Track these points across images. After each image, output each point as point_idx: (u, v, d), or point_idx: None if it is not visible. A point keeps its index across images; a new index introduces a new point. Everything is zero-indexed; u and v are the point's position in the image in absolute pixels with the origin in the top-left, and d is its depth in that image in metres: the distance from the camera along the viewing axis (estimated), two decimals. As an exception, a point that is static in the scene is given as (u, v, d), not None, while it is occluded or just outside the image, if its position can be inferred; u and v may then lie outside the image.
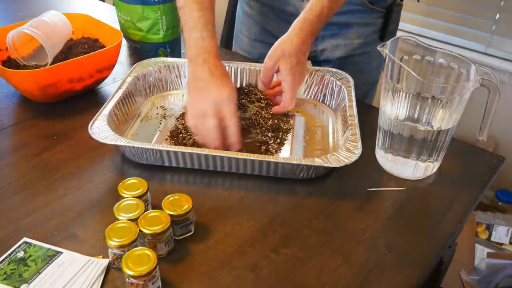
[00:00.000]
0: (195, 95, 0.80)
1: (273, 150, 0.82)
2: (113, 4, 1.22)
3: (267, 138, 0.84)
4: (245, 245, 0.66)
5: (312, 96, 0.98)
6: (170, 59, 0.99)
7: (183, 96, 0.99)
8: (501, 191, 1.79)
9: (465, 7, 1.83)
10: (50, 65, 0.94)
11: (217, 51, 0.83)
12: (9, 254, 0.62)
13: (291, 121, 0.91)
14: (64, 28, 1.00)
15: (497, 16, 1.76)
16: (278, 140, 0.84)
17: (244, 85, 0.99)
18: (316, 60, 1.16)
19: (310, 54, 1.15)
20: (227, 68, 0.97)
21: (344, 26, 1.07)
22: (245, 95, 0.94)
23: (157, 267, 0.57)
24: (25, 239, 0.65)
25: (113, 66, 1.00)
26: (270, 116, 0.89)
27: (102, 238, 0.61)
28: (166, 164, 0.78)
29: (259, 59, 1.19)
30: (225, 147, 0.78)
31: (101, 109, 0.82)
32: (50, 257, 0.62)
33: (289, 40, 0.85)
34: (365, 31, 1.08)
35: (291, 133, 0.88)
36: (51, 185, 0.75)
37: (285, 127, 0.88)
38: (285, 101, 0.87)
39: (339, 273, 0.63)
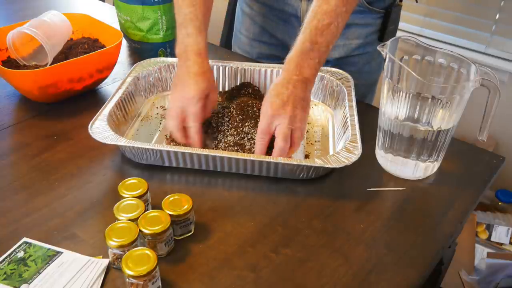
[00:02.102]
0: (172, 91, 0.84)
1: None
2: (113, 4, 1.22)
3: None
4: (245, 245, 0.66)
5: (312, 96, 0.98)
6: (170, 59, 0.99)
7: (183, 96, 0.99)
8: (501, 191, 1.79)
9: (465, 7, 1.83)
10: (50, 65, 0.94)
11: (203, 47, 0.82)
12: (9, 254, 0.62)
13: None
14: (64, 28, 1.00)
15: (497, 16, 1.76)
16: None
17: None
18: None
19: None
20: (226, 67, 0.97)
21: None
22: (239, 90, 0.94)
23: (157, 267, 0.57)
24: (25, 239, 0.65)
25: (113, 66, 1.00)
26: None
27: (102, 238, 0.61)
28: (166, 164, 0.78)
29: (258, 58, 1.19)
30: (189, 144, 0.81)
31: (101, 109, 0.82)
32: (50, 257, 0.62)
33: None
34: (364, 32, 1.08)
35: None
36: (51, 185, 0.75)
37: None
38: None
39: (339, 273, 0.63)
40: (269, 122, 0.76)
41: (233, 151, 0.78)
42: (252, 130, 0.81)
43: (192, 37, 0.82)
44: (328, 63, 1.12)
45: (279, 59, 1.18)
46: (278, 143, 0.76)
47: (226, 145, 0.80)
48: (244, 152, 0.78)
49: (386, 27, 1.08)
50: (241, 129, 0.82)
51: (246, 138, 0.81)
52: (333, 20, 0.79)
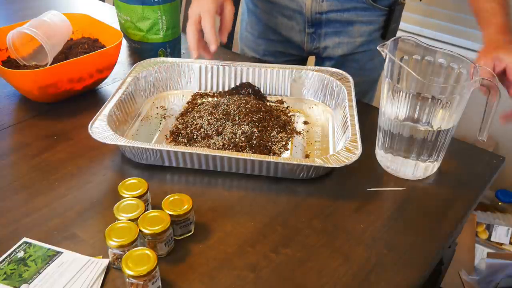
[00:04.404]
0: (190, 7, 0.90)
1: (278, 152, 0.82)
2: (113, 4, 1.23)
3: (273, 138, 0.83)
4: (245, 245, 0.66)
5: (312, 96, 0.98)
6: (170, 59, 0.99)
7: (183, 96, 0.99)
8: (501, 191, 1.79)
9: (465, 7, 1.81)
10: (50, 65, 0.94)
11: None
12: (9, 254, 0.62)
13: (295, 124, 0.91)
14: (64, 28, 1.00)
15: (497, 16, 1.76)
16: (283, 142, 0.84)
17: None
18: (319, 57, 1.16)
19: (312, 51, 1.16)
20: (226, 67, 0.97)
21: (347, 24, 1.07)
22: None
23: (157, 267, 0.57)
24: (25, 239, 0.65)
25: (113, 66, 1.00)
26: (278, 115, 0.89)
27: (102, 238, 0.61)
28: (166, 164, 0.78)
29: (264, 55, 1.20)
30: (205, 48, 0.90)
31: (101, 109, 0.82)
32: (50, 257, 0.62)
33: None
34: (368, 29, 1.08)
35: (294, 135, 0.87)
36: (51, 185, 0.75)
37: (289, 128, 0.88)
38: None
39: (339, 273, 0.63)
40: None
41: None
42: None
43: None
44: (331, 60, 1.13)
45: (285, 55, 1.20)
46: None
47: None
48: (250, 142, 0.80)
49: (389, 25, 1.09)
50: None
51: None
52: None
